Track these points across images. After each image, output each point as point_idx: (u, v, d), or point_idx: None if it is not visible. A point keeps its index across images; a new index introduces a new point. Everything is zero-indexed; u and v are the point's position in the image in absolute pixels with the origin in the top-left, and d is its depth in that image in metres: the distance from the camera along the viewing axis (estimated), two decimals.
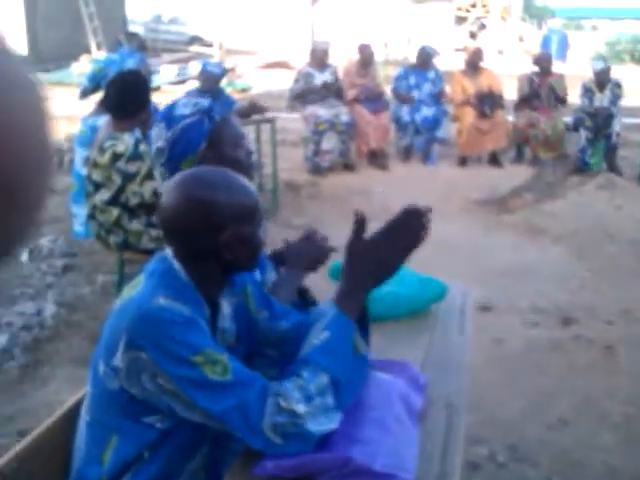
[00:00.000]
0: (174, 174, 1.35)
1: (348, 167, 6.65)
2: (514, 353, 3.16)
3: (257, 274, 1.78)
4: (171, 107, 1.72)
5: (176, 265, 1.26)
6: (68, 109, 9.51)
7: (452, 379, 1.57)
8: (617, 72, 7.06)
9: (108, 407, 1.23)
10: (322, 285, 1.88)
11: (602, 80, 6.71)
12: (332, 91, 6.50)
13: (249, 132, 5.52)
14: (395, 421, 1.36)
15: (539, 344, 3.25)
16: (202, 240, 1.24)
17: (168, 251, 1.30)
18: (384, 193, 5.77)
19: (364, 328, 1.34)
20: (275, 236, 1.84)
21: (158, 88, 10.92)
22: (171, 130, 1.66)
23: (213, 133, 1.69)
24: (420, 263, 2.82)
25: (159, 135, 1.67)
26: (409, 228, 1.28)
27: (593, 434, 2.56)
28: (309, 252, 1.91)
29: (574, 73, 13.72)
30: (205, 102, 1.74)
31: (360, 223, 1.30)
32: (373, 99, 6.83)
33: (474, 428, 2.39)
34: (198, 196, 1.24)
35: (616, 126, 6.62)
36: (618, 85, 6.81)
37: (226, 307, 1.37)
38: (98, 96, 4.45)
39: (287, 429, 1.14)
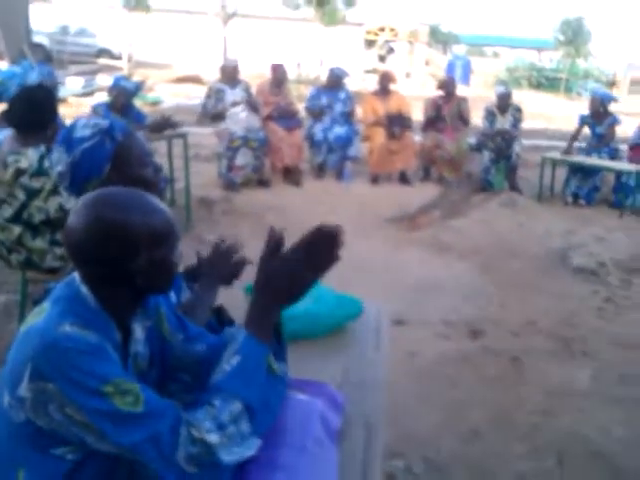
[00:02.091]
0: (79, 197, 1.29)
1: (262, 183, 6.65)
2: (427, 366, 3.23)
3: (172, 295, 1.73)
4: (70, 129, 1.65)
5: (84, 290, 1.21)
6: None
7: (369, 397, 1.59)
8: (516, 96, 7.47)
9: (14, 440, 1.15)
10: (239, 301, 1.85)
11: (504, 104, 7.09)
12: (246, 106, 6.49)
13: (161, 147, 5.42)
14: (315, 444, 1.35)
15: (450, 356, 3.35)
16: (113, 265, 1.19)
17: (75, 275, 1.24)
18: (298, 210, 5.81)
19: (281, 346, 1.33)
20: (188, 252, 1.80)
21: (64, 100, 10.54)
22: (71, 154, 1.59)
23: (117, 153, 1.63)
24: (334, 279, 2.85)
25: (59, 159, 1.60)
26: (322, 247, 1.26)
27: (504, 444, 2.65)
28: (221, 266, 1.88)
29: (477, 96, 14.41)
30: (105, 122, 1.67)
31: (276, 241, 1.27)
32: (287, 117, 6.89)
33: (390, 441, 2.42)
34: (109, 219, 1.18)
35: (516, 147, 7.00)
36: (518, 109, 7.21)
37: (139, 331, 1.32)
38: None
39: (201, 459, 1.12)
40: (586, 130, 7.14)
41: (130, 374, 1.21)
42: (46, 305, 1.20)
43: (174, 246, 1.26)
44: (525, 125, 7.77)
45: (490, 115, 7.13)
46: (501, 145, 6.98)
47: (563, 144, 7.42)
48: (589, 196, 6.74)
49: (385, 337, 1.92)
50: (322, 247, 1.26)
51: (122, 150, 1.66)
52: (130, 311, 1.28)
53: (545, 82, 26.15)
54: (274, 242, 1.27)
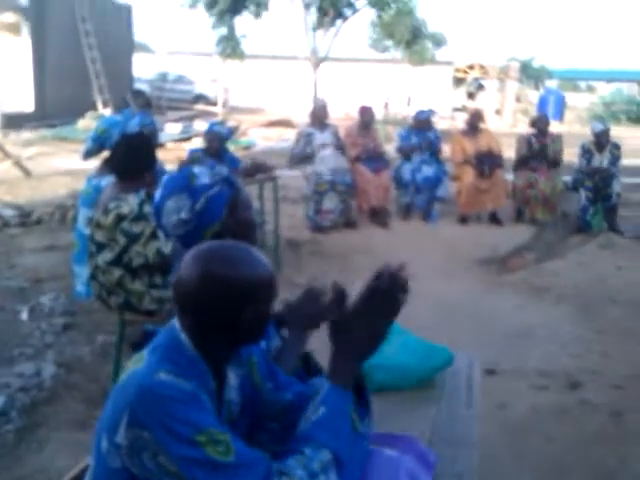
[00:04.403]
0: (194, 244, 1.34)
1: (350, 225, 6.68)
2: (521, 419, 3.08)
3: (262, 342, 1.75)
4: (187, 177, 1.72)
5: (183, 337, 1.25)
6: (72, 165, 9.66)
7: (461, 456, 1.53)
8: (614, 132, 7.16)
9: None
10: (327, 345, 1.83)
11: (601, 141, 6.81)
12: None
13: (251, 190, 5.57)
14: None
15: (546, 410, 3.17)
16: (219, 316, 1.23)
17: (175, 322, 1.28)
18: (385, 251, 5.78)
19: (363, 400, 1.31)
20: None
21: (163, 145, 11.12)
22: (198, 201, 1.67)
23: (232, 198, 1.71)
24: (423, 324, 2.78)
25: (180, 206, 1.67)
26: (387, 292, 1.27)
27: None
28: (310, 310, 1.88)
29: (571, 132, 13.97)
30: (223, 170, 1.76)
31: (339, 294, 1.31)
32: (374, 158, 6.92)
33: None
34: (218, 274, 1.22)
35: (616, 186, 6.68)
36: (617, 146, 6.91)
37: (233, 379, 1.35)
38: (102, 156, 4.49)
39: None
40: None
41: (223, 422, 1.23)
42: (145, 353, 1.25)
43: (275, 297, 1.30)
44: (625, 162, 7.43)
45: (587, 153, 6.87)
46: (599, 184, 6.68)
47: None
48: None
49: (478, 391, 1.85)
50: (387, 291, 1.27)
51: (236, 195, 1.73)
52: (226, 360, 1.32)
53: None
54: (337, 296, 1.31)
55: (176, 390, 1.14)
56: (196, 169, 1.77)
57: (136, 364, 1.22)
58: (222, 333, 1.25)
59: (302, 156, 6.60)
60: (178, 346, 1.24)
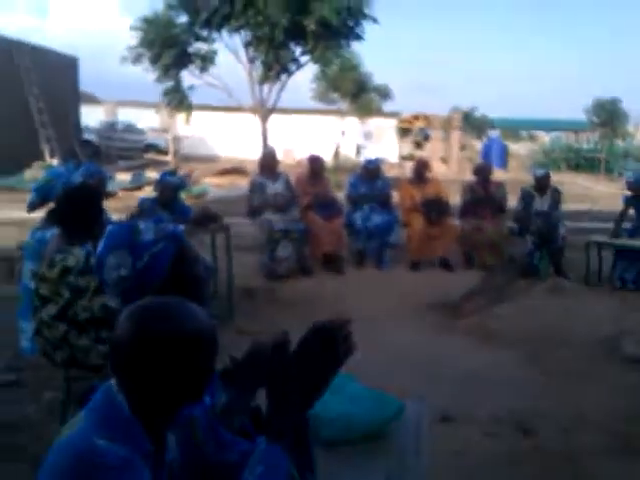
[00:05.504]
0: (135, 301, 1.31)
1: (304, 272, 6.67)
2: (476, 467, 3.05)
3: (207, 398, 1.70)
4: (130, 232, 1.67)
5: (120, 399, 1.21)
6: (20, 215, 9.41)
7: None
8: (555, 178, 7.42)
9: None
10: None
11: (543, 185, 7.05)
12: (285, 201, 6.66)
13: (204, 239, 5.52)
14: None
15: (501, 456, 3.17)
16: (157, 375, 1.20)
17: (111, 383, 1.24)
18: (340, 297, 5.80)
19: (308, 455, 1.28)
20: (230, 344, 1.76)
21: (114, 194, 10.98)
22: (140, 259, 1.62)
23: (176, 255, 1.67)
24: (376, 370, 2.77)
25: (120, 263, 1.62)
26: (324, 347, 1.25)
27: None
28: (257, 367, 1.82)
29: (515, 180, 14.42)
30: (169, 226, 1.72)
31: (279, 346, 1.28)
32: (326, 205, 6.99)
33: None
34: (154, 330, 1.20)
35: (561, 230, 6.88)
36: (557, 191, 7.17)
37: (172, 440, 1.30)
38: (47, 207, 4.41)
39: None
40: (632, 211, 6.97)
41: None
42: (80, 416, 1.21)
43: (216, 352, 1.27)
44: (568, 207, 7.69)
45: (527, 197, 7.08)
46: (544, 228, 6.88)
47: (608, 225, 7.28)
48: (638, 280, 6.50)
49: (425, 441, 1.83)
50: (323, 347, 1.25)
51: (181, 251, 1.70)
52: (165, 420, 1.28)
53: (584, 163, 26.10)
54: (280, 345, 1.28)
55: (111, 456, 1.11)
56: (141, 224, 1.73)
57: (71, 428, 1.19)
58: (160, 392, 1.21)
59: (260, 206, 6.62)
60: (114, 408, 1.20)
